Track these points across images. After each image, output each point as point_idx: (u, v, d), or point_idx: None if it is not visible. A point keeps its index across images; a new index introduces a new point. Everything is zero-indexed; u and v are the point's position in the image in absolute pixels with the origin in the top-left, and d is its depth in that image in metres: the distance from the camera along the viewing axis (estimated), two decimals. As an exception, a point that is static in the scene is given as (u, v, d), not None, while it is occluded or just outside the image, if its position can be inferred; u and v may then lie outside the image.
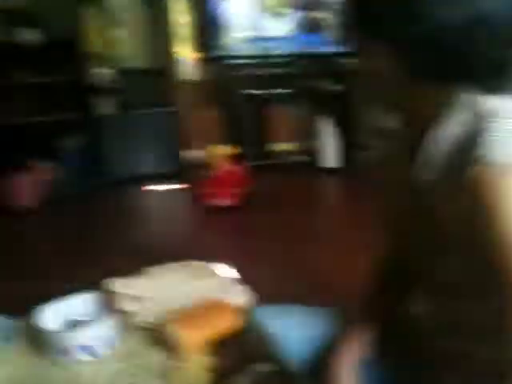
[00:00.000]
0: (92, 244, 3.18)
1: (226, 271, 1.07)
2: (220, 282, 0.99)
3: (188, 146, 4.62)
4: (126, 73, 4.45)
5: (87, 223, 3.62)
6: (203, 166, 3.80)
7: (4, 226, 3.52)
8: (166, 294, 0.94)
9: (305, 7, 4.57)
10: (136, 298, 0.93)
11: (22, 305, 1.00)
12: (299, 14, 4.54)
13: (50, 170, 4.00)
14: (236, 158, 3.80)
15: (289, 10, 4.52)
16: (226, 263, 1.17)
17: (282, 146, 4.73)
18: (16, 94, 4.30)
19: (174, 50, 4.74)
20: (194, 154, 4.52)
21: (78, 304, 0.95)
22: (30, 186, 3.82)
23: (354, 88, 4.26)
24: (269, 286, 1.77)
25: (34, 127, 4.21)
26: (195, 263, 1.10)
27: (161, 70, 4.56)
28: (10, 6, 4.11)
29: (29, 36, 4.10)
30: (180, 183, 4.26)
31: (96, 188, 4.23)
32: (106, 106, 4.38)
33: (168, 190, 4.16)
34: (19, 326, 0.95)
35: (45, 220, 3.75)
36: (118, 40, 4.46)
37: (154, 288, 0.96)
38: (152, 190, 4.18)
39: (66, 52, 4.24)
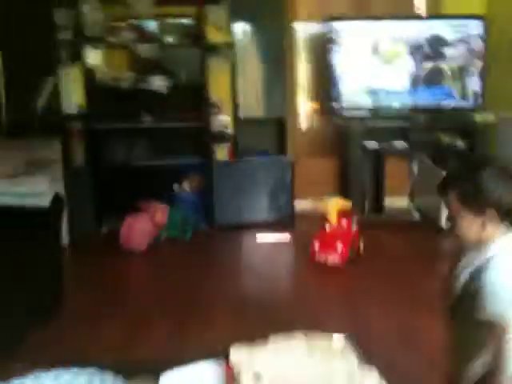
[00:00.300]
0: (198, 294, 3.18)
1: (347, 348, 0.99)
2: (348, 369, 0.91)
3: (302, 196, 4.60)
4: (244, 121, 4.57)
5: (195, 268, 3.65)
6: (316, 216, 3.74)
7: (115, 265, 3.66)
8: (290, 376, 0.88)
9: (426, 58, 4.47)
10: (258, 376, 0.88)
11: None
12: (420, 65, 4.45)
13: (164, 212, 4.13)
14: (349, 212, 3.70)
15: (409, 61, 4.45)
16: (340, 331, 1.10)
17: (399, 202, 4.57)
18: (140, 137, 4.55)
19: (292, 100, 4.81)
20: (308, 203, 4.48)
21: (198, 374, 0.92)
22: (143, 227, 3.95)
23: (481, 144, 4.05)
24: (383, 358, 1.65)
25: (152, 169, 4.42)
26: (316, 335, 1.03)
27: (278, 120, 4.63)
28: (145, 56, 4.41)
29: (159, 83, 4.35)
30: (291, 232, 4.23)
31: (207, 232, 4.32)
32: (222, 153, 4.50)
33: (279, 239, 4.13)
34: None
35: (154, 261, 3.85)
36: (238, 89, 4.60)
37: (277, 365, 0.90)
38: (262, 238, 4.18)
39: (191, 99, 4.47)
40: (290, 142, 4.64)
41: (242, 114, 4.58)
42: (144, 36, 4.46)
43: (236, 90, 4.57)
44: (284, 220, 4.41)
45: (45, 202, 2.57)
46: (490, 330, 1.26)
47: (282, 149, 4.60)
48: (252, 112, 4.66)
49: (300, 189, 4.56)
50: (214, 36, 4.42)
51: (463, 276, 1.36)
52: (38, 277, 2.49)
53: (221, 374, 0.92)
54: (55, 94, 4.32)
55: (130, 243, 3.85)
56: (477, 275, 1.31)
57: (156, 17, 4.46)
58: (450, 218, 1.37)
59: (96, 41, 4.46)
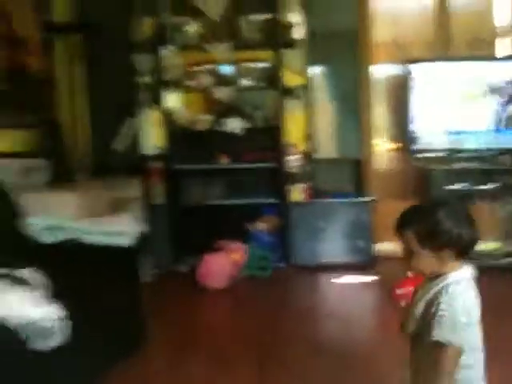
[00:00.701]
0: (276, 334, 3.12)
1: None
2: None
3: (381, 239, 4.47)
4: (319, 161, 4.54)
5: (273, 307, 3.59)
6: (397, 261, 3.60)
7: (193, 304, 3.66)
8: None
9: (508, 99, 4.31)
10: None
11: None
12: (501, 107, 4.30)
13: (242, 251, 4.13)
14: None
15: (490, 103, 4.30)
16: None
17: (487, 246, 4.34)
18: (217, 177, 4.60)
19: (368, 140, 4.74)
20: (388, 246, 4.34)
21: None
22: (221, 265, 3.96)
23: None
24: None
25: (229, 208, 4.44)
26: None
27: (354, 160, 4.57)
28: (222, 99, 4.50)
29: (235, 125, 4.41)
30: (371, 276, 4.09)
31: (285, 271, 4.28)
32: (298, 193, 4.47)
33: (358, 283, 4.01)
34: None
35: (232, 300, 3.83)
36: (313, 130, 4.60)
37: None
38: (341, 282, 4.07)
39: (266, 140, 4.50)
40: (369, 182, 4.56)
41: (317, 154, 4.56)
42: (221, 79, 4.56)
43: (311, 131, 4.57)
44: (363, 262, 4.29)
45: (128, 240, 2.61)
46: (442, 353, 1.34)
47: (358, 190, 4.52)
48: (327, 153, 4.64)
49: (379, 231, 4.43)
50: (289, 78, 4.46)
51: (421, 304, 1.43)
52: (119, 317, 2.50)
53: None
54: (136, 136, 4.47)
55: (208, 281, 3.86)
56: (433, 301, 1.39)
57: (233, 61, 4.56)
58: (407, 254, 1.42)
59: (174, 85, 4.60)
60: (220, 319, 3.55)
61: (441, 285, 1.39)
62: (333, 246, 4.36)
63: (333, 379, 2.53)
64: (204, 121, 4.55)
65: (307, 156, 4.53)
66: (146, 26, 4.47)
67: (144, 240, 3.05)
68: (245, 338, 3.05)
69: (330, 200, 4.40)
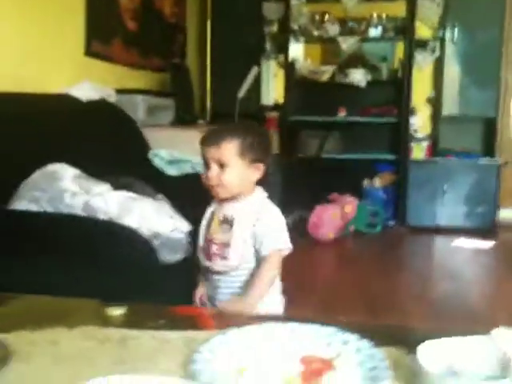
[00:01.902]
0: (388, 289, 3.04)
1: None
2: None
3: (506, 204, 4.19)
4: (446, 119, 4.31)
5: (384, 263, 3.51)
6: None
7: (303, 252, 3.67)
8: None
9: None
10: None
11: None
12: None
13: (354, 205, 4.07)
14: None
15: None
16: None
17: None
18: (334, 130, 4.53)
19: (504, 99, 4.40)
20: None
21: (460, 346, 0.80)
22: (332, 217, 3.93)
23: None
24: None
25: (344, 163, 4.37)
26: None
27: (486, 119, 4.28)
28: (347, 50, 4.38)
29: (358, 77, 4.28)
30: (492, 242, 3.87)
31: (396, 230, 4.17)
32: (419, 151, 4.29)
33: (478, 247, 3.80)
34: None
35: (342, 252, 3.82)
36: (442, 86, 4.34)
37: None
38: (460, 243, 3.87)
39: (390, 94, 4.33)
40: (499, 144, 4.26)
41: (444, 111, 4.31)
42: (348, 29, 4.43)
43: (440, 87, 4.32)
44: (483, 229, 4.06)
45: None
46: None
47: (487, 151, 4.24)
48: (453, 110, 4.37)
49: (505, 197, 4.16)
50: (422, 31, 4.23)
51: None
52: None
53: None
54: (256, 85, 4.48)
55: (319, 232, 3.85)
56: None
57: (363, 11, 4.39)
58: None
59: (300, 34, 4.54)
60: (329, 269, 3.55)
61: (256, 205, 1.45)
62: (451, 208, 4.16)
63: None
64: (326, 72, 4.47)
65: (432, 112, 4.31)
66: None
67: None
68: (355, 288, 3.02)
69: (454, 159, 4.18)
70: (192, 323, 0.96)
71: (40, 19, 2.69)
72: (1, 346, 0.85)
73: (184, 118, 3.66)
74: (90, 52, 3.13)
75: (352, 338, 0.88)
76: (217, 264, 1.41)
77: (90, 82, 2.91)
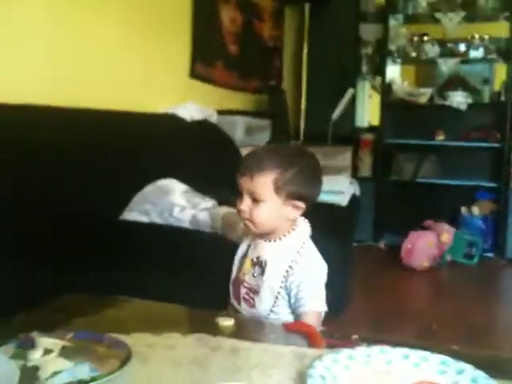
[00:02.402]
0: (487, 323, 2.91)
1: None
2: None
3: None
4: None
5: (479, 296, 3.34)
6: None
7: (395, 279, 3.59)
8: None
9: None
10: None
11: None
12: None
13: (450, 234, 3.91)
14: None
15: None
16: None
17: None
18: (431, 153, 4.40)
19: None
20: None
21: None
22: (427, 245, 3.80)
23: None
24: None
25: (440, 188, 4.23)
26: None
27: None
28: (446, 71, 4.28)
29: (458, 99, 4.16)
30: None
31: (495, 262, 3.96)
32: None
33: None
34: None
35: (436, 282, 3.69)
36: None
37: None
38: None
39: (491, 117, 4.18)
40: None
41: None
42: (447, 51, 4.33)
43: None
44: None
45: (345, 200, 2.65)
46: None
47: None
48: None
49: None
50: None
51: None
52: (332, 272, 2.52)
53: None
54: (351, 106, 4.48)
55: (412, 260, 3.74)
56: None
57: (463, 32, 4.29)
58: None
59: (397, 55, 4.50)
60: (424, 298, 3.44)
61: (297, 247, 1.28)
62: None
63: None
64: (424, 94, 4.38)
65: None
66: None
67: (359, 203, 3.07)
68: (451, 318, 2.91)
69: None
70: (302, 340, 0.97)
71: (149, 43, 2.86)
72: (124, 346, 0.91)
73: (279, 139, 3.72)
74: (194, 74, 3.28)
75: (467, 368, 0.86)
76: (244, 310, 1.25)
77: (194, 103, 3.05)
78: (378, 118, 4.44)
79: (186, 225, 1.64)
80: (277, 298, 1.21)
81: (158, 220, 1.70)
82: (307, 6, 4.57)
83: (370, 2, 4.53)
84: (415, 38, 4.41)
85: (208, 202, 1.74)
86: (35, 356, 0.86)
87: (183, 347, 0.94)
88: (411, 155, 4.38)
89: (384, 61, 4.39)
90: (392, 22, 4.39)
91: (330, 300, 2.08)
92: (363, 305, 2.98)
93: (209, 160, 2.78)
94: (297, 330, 1.04)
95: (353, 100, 4.45)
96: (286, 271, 1.21)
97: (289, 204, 1.22)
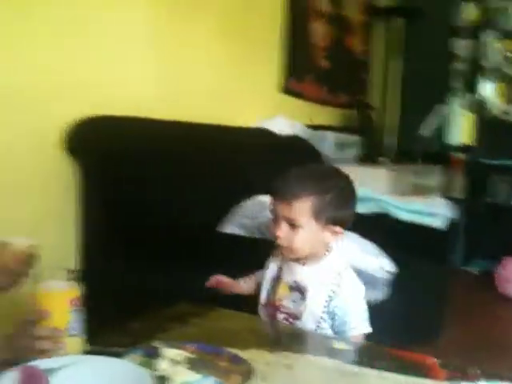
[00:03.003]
0: None
1: None
2: None
3: None
4: None
5: None
6: None
7: (489, 308, 3.41)
8: None
9: None
10: None
11: None
12: None
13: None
14: None
15: None
16: None
17: None
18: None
19: None
20: None
21: None
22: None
23: None
24: None
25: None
26: None
27: None
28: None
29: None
30: None
31: None
32: None
33: None
34: None
35: None
36: None
37: None
38: None
39: None
40: None
41: None
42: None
43: None
44: None
45: (440, 223, 2.55)
46: None
47: None
48: None
49: None
50: None
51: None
52: (421, 296, 2.45)
53: None
54: (442, 123, 4.35)
55: (507, 287, 3.55)
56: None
57: None
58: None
59: (492, 72, 4.33)
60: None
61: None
62: None
63: None
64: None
65: None
66: (468, 11, 4.30)
67: (458, 228, 2.95)
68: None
69: None
70: (420, 370, 0.94)
71: (240, 58, 2.91)
72: (244, 362, 0.92)
73: (368, 155, 3.67)
74: (284, 89, 3.31)
75: None
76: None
77: (284, 117, 3.06)
78: (471, 137, 4.28)
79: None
80: (319, 322, 1.19)
81: (256, 234, 1.71)
82: (399, 20, 4.49)
83: (463, 16, 4.39)
84: (510, 55, 4.23)
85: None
86: (163, 366, 0.89)
87: (301, 368, 0.94)
88: (508, 177, 4.18)
89: (477, 77, 4.24)
90: (486, 38, 4.23)
91: (422, 326, 2.02)
92: (455, 332, 2.85)
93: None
94: (414, 359, 1.01)
95: (444, 117, 4.31)
96: (329, 296, 1.19)
97: (328, 230, 1.21)
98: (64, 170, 1.90)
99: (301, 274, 1.23)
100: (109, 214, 1.86)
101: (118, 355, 0.91)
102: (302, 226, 1.18)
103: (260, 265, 1.63)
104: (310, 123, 3.32)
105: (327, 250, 1.25)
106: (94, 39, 2.02)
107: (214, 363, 0.91)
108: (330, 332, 1.19)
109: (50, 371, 0.85)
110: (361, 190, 2.89)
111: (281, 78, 3.30)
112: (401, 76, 4.52)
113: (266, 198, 1.86)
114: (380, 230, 2.59)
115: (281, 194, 1.20)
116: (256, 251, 1.71)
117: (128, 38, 2.20)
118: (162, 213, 1.77)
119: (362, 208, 2.81)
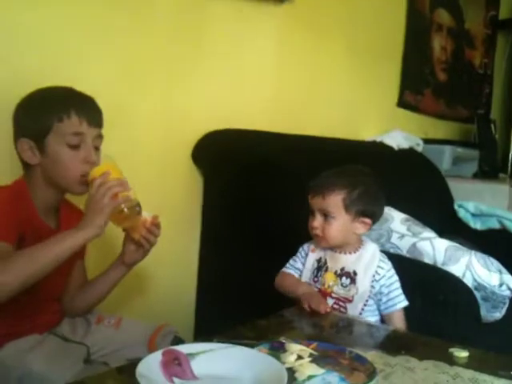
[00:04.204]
0: None
1: None
2: None
3: None
4: None
5: None
6: None
7: None
8: None
9: None
10: None
11: None
12: None
13: None
14: None
15: None
16: None
17: None
18: None
19: None
20: None
21: None
22: None
23: None
24: None
25: None
26: None
27: None
28: None
29: None
30: None
31: None
32: None
33: None
34: None
35: None
36: None
37: None
38: None
39: None
40: None
41: None
42: None
43: None
44: None
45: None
46: None
47: None
48: None
49: None
50: None
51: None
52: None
53: None
54: None
55: None
56: None
57: None
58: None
59: None
60: None
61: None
62: None
63: None
64: None
65: None
66: None
67: None
68: None
69: None
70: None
71: (363, 71, 2.95)
72: (366, 361, 0.97)
73: (486, 171, 3.54)
74: (401, 102, 3.30)
75: None
76: None
77: (400, 131, 3.06)
78: None
79: (404, 252, 1.67)
80: (366, 301, 1.37)
81: (373, 244, 1.75)
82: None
83: None
84: None
85: (430, 232, 1.74)
86: (290, 359, 0.96)
87: (422, 371, 0.97)
88: None
89: None
90: None
91: None
92: None
93: (414, 189, 2.75)
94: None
95: None
96: (373, 276, 1.37)
97: (357, 221, 1.39)
98: (191, 176, 2.08)
99: (346, 261, 1.39)
100: (223, 215, 2.02)
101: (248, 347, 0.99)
102: (335, 216, 1.37)
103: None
104: (426, 137, 3.28)
105: (361, 241, 1.43)
106: (232, 71, 2.21)
107: (337, 360, 0.97)
108: (373, 313, 1.39)
109: (191, 355, 0.96)
110: (481, 206, 2.84)
111: (399, 92, 3.30)
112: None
113: (385, 210, 1.89)
114: (500, 246, 2.51)
115: (317, 189, 1.39)
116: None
117: (258, 66, 2.35)
118: (272, 218, 1.87)
119: (479, 223, 2.74)
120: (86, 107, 1.29)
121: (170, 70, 1.96)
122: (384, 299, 1.38)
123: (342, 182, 1.39)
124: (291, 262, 1.49)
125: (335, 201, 1.37)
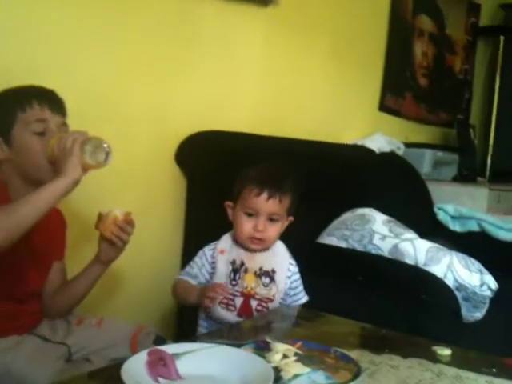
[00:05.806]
0: None
1: None
2: None
3: None
4: None
5: None
6: None
7: None
8: None
9: None
10: None
11: None
12: None
13: None
14: None
15: None
16: None
17: None
18: None
19: None
20: None
21: None
22: None
23: None
24: None
25: None
26: None
27: None
28: None
29: None
30: None
31: None
32: None
33: None
34: None
35: None
36: None
37: None
38: None
39: None
40: None
41: None
42: None
43: None
44: None
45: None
46: None
47: None
48: None
49: None
50: None
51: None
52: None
53: None
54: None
55: None
56: None
57: None
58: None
59: None
60: None
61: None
62: None
63: None
64: None
65: None
66: None
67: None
68: None
69: None
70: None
71: (345, 75, 2.98)
72: (351, 360, 0.98)
73: (465, 175, 3.59)
74: (383, 106, 3.33)
75: None
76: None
77: (382, 135, 3.09)
78: None
79: (385, 253, 1.68)
80: (282, 298, 1.37)
81: (356, 246, 1.76)
82: (502, 39, 4.37)
83: None
84: None
85: (411, 234, 1.76)
86: (276, 358, 0.96)
87: (406, 368, 0.98)
88: None
89: None
90: None
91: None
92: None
93: (394, 192, 2.78)
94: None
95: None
96: (288, 271, 1.37)
97: (287, 220, 1.38)
98: (174, 177, 2.08)
99: (263, 260, 1.36)
100: (207, 215, 2.01)
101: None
102: (279, 219, 1.34)
103: (364, 278, 1.67)
104: (405, 141, 3.32)
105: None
106: (216, 73, 2.22)
107: (322, 359, 0.98)
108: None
109: (177, 355, 0.95)
110: (460, 208, 2.87)
111: (380, 96, 3.33)
112: (502, 94, 4.37)
113: (366, 211, 1.92)
114: (480, 248, 2.54)
115: (273, 192, 1.31)
116: (360, 264, 1.76)
117: (242, 68, 2.36)
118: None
119: (458, 226, 2.78)
120: (46, 96, 1.30)
121: (154, 72, 1.96)
122: (292, 293, 1.39)
123: (290, 184, 1.35)
124: (187, 268, 1.40)
125: (286, 204, 1.34)
